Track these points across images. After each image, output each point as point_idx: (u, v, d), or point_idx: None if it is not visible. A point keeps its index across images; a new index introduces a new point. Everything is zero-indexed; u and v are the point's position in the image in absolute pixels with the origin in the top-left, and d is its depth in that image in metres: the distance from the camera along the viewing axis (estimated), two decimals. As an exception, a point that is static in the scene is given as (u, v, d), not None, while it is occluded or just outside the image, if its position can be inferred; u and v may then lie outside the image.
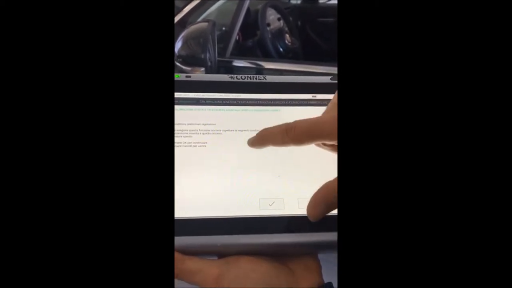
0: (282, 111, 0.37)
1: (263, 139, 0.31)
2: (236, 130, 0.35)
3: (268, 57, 1.34)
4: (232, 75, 0.38)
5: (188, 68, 1.05)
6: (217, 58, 1.05)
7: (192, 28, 1.08)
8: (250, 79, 0.38)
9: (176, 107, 0.36)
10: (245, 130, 0.35)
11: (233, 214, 0.31)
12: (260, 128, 0.35)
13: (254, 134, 0.35)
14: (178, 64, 1.06)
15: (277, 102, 0.37)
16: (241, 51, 1.34)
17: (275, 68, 1.21)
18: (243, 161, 0.34)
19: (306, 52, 1.60)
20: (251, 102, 0.37)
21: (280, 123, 0.36)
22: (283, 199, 0.32)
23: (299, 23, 1.86)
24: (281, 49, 1.37)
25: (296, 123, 0.29)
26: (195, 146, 0.34)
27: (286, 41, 1.40)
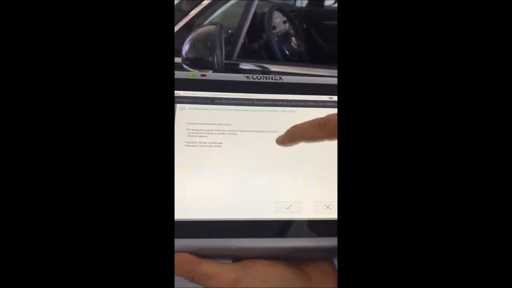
0: (298, 112, 0.36)
1: (294, 134, 0.30)
2: (251, 131, 0.35)
3: (274, 60, 1.33)
4: (248, 75, 0.38)
5: (196, 71, 1.05)
6: (224, 61, 1.04)
7: (199, 31, 1.08)
8: (266, 79, 0.38)
9: (190, 106, 0.35)
10: (260, 131, 0.35)
11: (249, 216, 0.30)
12: (276, 128, 0.34)
13: (270, 135, 0.34)
14: (185, 66, 1.06)
15: (293, 103, 0.37)
16: (247, 54, 1.33)
17: (281, 71, 1.20)
18: (259, 162, 0.33)
19: (311, 55, 1.59)
20: (267, 102, 0.36)
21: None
22: (300, 202, 0.31)
23: (304, 26, 1.85)
24: (287, 52, 1.36)
25: (330, 117, 0.28)
26: (210, 146, 0.33)
27: (292, 44, 1.40)
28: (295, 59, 1.44)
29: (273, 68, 1.25)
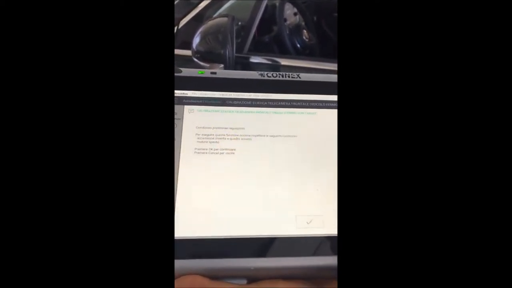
0: (318, 114, 0.33)
1: None
2: (267, 136, 0.31)
3: (284, 53, 1.29)
4: (262, 72, 0.34)
5: (206, 65, 1.01)
6: (235, 54, 1.01)
7: (210, 23, 1.04)
8: (283, 77, 0.34)
9: (200, 107, 0.32)
10: (278, 136, 0.31)
11: (267, 233, 0.27)
12: (295, 132, 0.31)
13: (288, 140, 0.31)
14: (196, 60, 1.02)
15: (313, 104, 0.33)
16: (257, 47, 1.29)
17: (292, 65, 1.16)
18: (276, 171, 0.30)
19: (322, 49, 1.54)
20: (284, 103, 0.33)
21: (317, 127, 0.32)
22: (322, 216, 0.28)
23: (314, 18, 1.80)
24: (298, 45, 1.32)
25: None
26: (222, 153, 0.30)
27: (304, 37, 1.35)
28: (306, 52, 1.39)
29: (284, 62, 1.21)
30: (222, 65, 1.01)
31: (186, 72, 0.32)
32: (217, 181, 0.29)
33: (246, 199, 0.29)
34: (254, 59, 1.21)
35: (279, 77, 0.34)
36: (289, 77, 0.34)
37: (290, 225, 0.28)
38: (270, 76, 0.34)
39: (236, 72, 0.34)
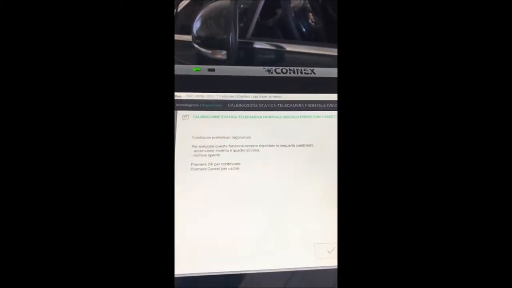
0: None
1: None
2: (278, 146, 0.26)
3: (289, 38, 1.22)
4: (269, 68, 0.29)
5: (208, 51, 0.95)
6: (238, 39, 0.94)
7: (211, 6, 0.97)
8: (294, 73, 0.29)
9: (196, 113, 0.26)
10: (290, 145, 0.26)
11: (281, 266, 0.23)
12: (312, 141, 0.26)
13: (303, 150, 0.26)
14: (196, 46, 0.96)
15: (331, 106, 0.28)
16: (261, 32, 1.22)
17: (298, 51, 1.10)
18: (291, 189, 0.25)
19: (328, 33, 1.47)
20: (297, 105, 0.28)
21: (337, 133, 0.26)
22: None
23: (319, 0, 1.72)
24: (304, 30, 1.25)
25: None
26: (224, 169, 0.25)
27: (310, 21, 1.28)
28: (312, 37, 1.32)
29: (289, 47, 1.15)
30: (224, 52, 0.95)
31: (178, 69, 0.27)
32: (219, 204, 0.24)
33: (255, 226, 0.24)
34: (258, 45, 1.14)
35: (290, 73, 0.29)
36: (301, 73, 0.29)
37: (309, 255, 0.23)
38: (279, 73, 0.29)
39: (238, 68, 0.28)
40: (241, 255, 0.23)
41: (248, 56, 0.68)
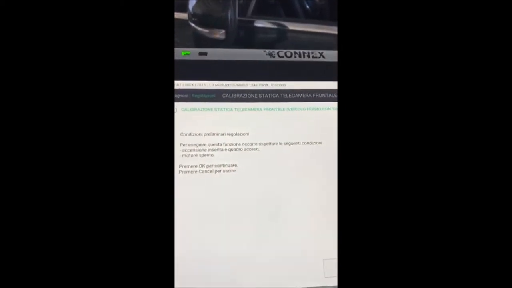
0: None
1: None
2: (282, 144, 0.22)
3: (292, 16, 1.17)
4: (271, 51, 0.25)
5: (205, 30, 0.90)
6: (237, 18, 0.89)
7: (208, -19, 0.92)
8: (300, 57, 0.25)
9: (185, 105, 0.23)
10: (296, 143, 0.22)
11: (285, 285, 0.19)
12: (319, 138, 0.22)
13: (310, 149, 0.22)
14: (192, 25, 0.91)
15: None
16: (261, 9, 1.17)
17: (301, 30, 1.04)
18: (296, 197, 0.21)
19: (333, 11, 1.40)
20: (304, 95, 0.24)
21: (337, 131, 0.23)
22: None
23: (324, -25, 1.64)
24: (307, 7, 1.19)
25: None
26: (218, 171, 0.21)
27: (314, -3, 1.22)
28: (316, 15, 1.26)
29: (292, 26, 1.09)
30: (223, 31, 0.91)
31: None
32: (212, 214, 0.21)
33: (254, 240, 0.20)
34: (259, 23, 1.09)
35: (295, 57, 0.25)
36: (309, 56, 0.25)
37: (317, 273, 0.20)
38: (282, 56, 0.24)
39: (234, 51, 0.24)
40: (237, 273, 0.20)
41: (248, 36, 0.63)
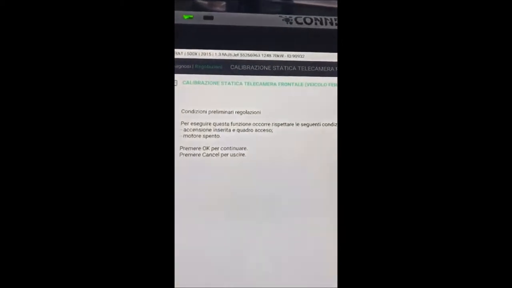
0: None
1: None
2: (298, 124, 0.20)
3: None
4: (288, 17, 0.22)
5: (205, 1, 0.86)
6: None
7: None
8: (322, 23, 0.21)
9: (188, 77, 0.20)
10: (314, 124, 0.20)
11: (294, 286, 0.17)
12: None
13: (331, 131, 0.19)
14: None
15: None
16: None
17: (309, 4, 1.00)
18: (314, 185, 0.19)
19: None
20: (325, 68, 0.21)
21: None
22: None
23: None
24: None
25: None
26: (225, 155, 0.19)
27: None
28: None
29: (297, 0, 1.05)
30: (224, 3, 0.86)
31: None
32: (217, 204, 0.18)
33: (264, 236, 0.18)
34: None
35: (316, 23, 0.21)
36: (332, 24, 0.22)
37: (330, 276, 0.18)
38: (301, 23, 0.21)
39: (245, 16, 0.21)
40: (241, 272, 0.17)
41: (250, 9, 0.58)
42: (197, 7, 0.48)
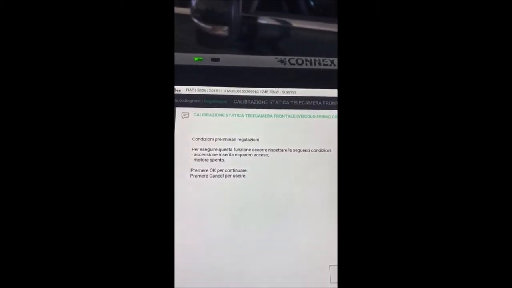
0: None
1: None
2: (292, 150, 0.23)
3: (296, 13, 1.16)
4: (282, 58, 0.25)
5: (209, 27, 0.90)
6: (241, 14, 0.89)
7: (212, -24, 0.91)
8: (312, 64, 0.25)
9: (197, 110, 0.23)
10: (305, 150, 0.23)
11: None
12: (330, 145, 0.23)
13: (319, 156, 0.22)
14: (195, 20, 0.91)
15: None
16: (265, 6, 1.16)
17: (306, 28, 1.04)
18: (305, 203, 0.22)
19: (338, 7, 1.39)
20: (314, 102, 0.24)
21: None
22: None
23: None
24: (312, 3, 1.18)
25: None
26: (228, 176, 0.22)
27: (318, -6, 1.21)
28: (320, 11, 1.26)
29: (296, 23, 1.09)
30: (226, 27, 0.90)
31: (178, 58, 0.23)
32: (222, 217, 0.21)
33: (262, 245, 0.21)
34: (262, 20, 1.09)
35: (306, 64, 0.25)
36: (320, 64, 0.25)
37: (323, 279, 0.20)
38: (293, 64, 0.25)
39: (246, 58, 0.25)
40: (244, 278, 0.20)
41: (251, 32, 0.63)
42: (201, 32, 0.52)
